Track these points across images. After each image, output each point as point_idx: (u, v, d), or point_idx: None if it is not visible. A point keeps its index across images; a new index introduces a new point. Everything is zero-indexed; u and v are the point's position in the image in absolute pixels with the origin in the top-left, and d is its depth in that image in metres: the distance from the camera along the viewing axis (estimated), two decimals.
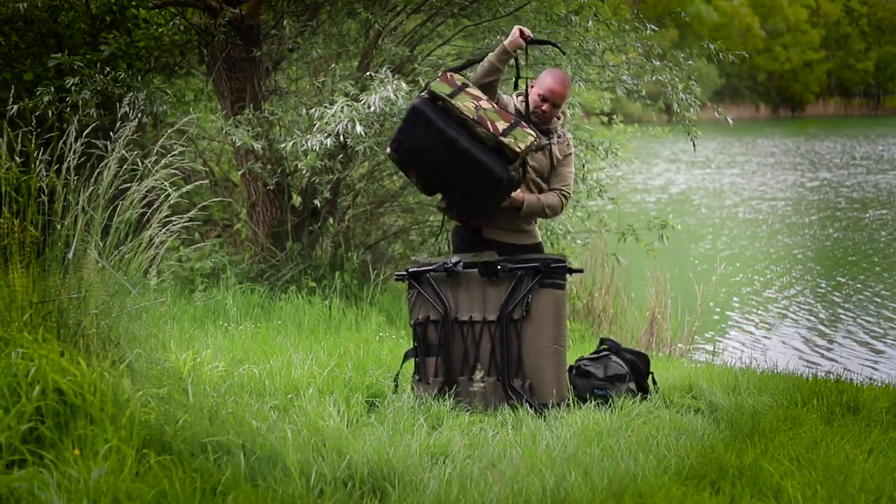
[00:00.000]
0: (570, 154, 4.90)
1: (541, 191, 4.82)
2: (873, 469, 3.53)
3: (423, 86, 5.01)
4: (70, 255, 3.59)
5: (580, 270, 5.23)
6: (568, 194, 4.87)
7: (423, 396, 4.43)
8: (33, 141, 3.92)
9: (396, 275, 4.85)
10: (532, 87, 4.80)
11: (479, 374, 4.54)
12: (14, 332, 3.32)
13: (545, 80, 4.77)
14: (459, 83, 4.52)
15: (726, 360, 7.79)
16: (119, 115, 4.23)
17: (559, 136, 4.87)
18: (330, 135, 6.20)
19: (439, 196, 4.74)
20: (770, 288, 12.09)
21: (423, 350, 4.66)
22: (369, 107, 6.18)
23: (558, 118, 4.88)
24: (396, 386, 4.63)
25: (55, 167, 3.79)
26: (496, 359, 4.54)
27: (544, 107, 4.75)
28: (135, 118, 4.29)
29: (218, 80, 8.03)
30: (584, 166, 8.10)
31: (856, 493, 3.23)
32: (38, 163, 3.80)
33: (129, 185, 3.90)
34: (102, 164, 3.84)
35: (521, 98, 4.85)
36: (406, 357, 4.77)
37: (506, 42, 4.62)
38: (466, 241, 4.82)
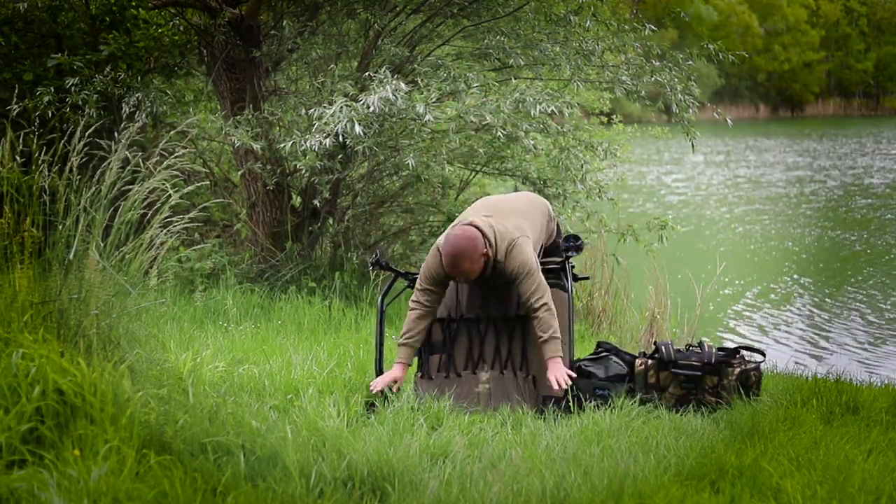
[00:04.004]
0: (515, 271, 4.43)
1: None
2: (873, 469, 3.53)
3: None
4: (71, 256, 3.59)
5: (586, 278, 5.21)
6: (546, 305, 4.41)
7: (424, 395, 4.42)
8: (35, 141, 3.93)
9: (408, 279, 4.80)
10: None
11: (484, 376, 4.54)
12: (15, 332, 3.32)
13: (443, 255, 4.44)
14: None
15: None
16: (123, 116, 4.24)
17: (497, 270, 4.50)
18: (329, 135, 6.20)
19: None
20: (769, 288, 12.09)
21: (427, 349, 4.67)
22: (368, 107, 6.18)
23: (485, 264, 4.46)
24: (372, 405, 4.41)
25: (56, 167, 3.80)
26: (500, 355, 4.57)
27: (460, 280, 4.53)
28: (138, 120, 4.30)
29: (218, 81, 8.03)
30: (583, 167, 8.10)
31: (855, 493, 3.23)
32: (39, 163, 3.80)
33: (129, 185, 3.90)
34: (104, 164, 3.84)
35: None
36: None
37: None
38: None
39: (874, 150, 33.13)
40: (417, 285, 4.63)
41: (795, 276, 12.81)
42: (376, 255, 4.84)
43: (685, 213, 18.45)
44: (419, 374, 4.68)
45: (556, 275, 4.65)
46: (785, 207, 19.75)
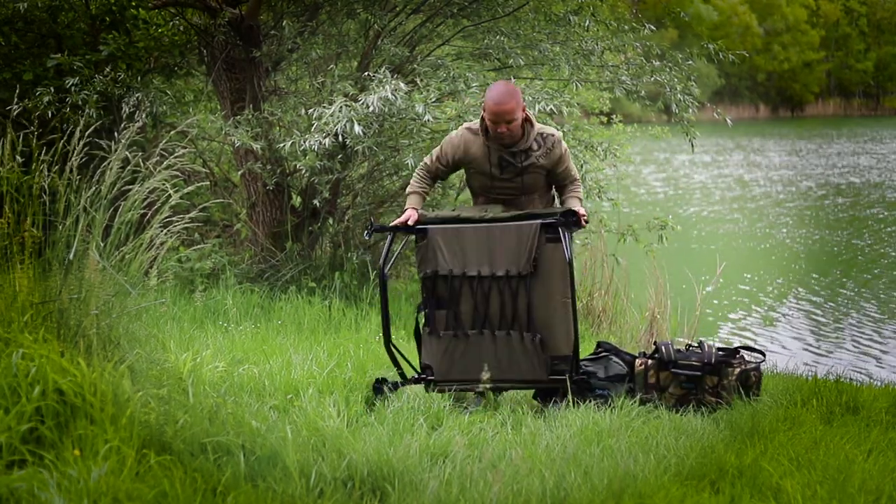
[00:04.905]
0: (566, 150, 4.80)
1: (549, 188, 4.91)
2: (873, 469, 3.53)
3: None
4: (71, 256, 3.59)
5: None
6: (579, 184, 4.90)
7: (433, 349, 4.58)
8: (35, 141, 3.93)
9: (406, 231, 4.76)
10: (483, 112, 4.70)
11: (485, 376, 4.53)
12: (15, 332, 3.32)
13: (487, 103, 4.60)
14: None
15: None
16: (123, 116, 4.24)
17: (540, 144, 4.71)
18: (329, 135, 6.20)
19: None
20: (769, 288, 12.09)
21: (433, 303, 4.65)
22: (368, 107, 6.19)
23: (530, 125, 4.68)
24: (394, 385, 4.62)
25: (56, 167, 3.80)
26: (507, 316, 4.54)
27: (500, 129, 4.58)
28: (138, 120, 4.30)
29: (218, 81, 8.03)
30: (582, 167, 8.10)
31: (855, 493, 3.23)
32: (39, 163, 3.80)
33: (129, 185, 3.90)
34: (104, 164, 3.84)
35: (478, 127, 4.76)
36: (418, 310, 4.78)
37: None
38: None
39: (875, 149, 33.14)
40: (433, 155, 4.87)
41: (796, 276, 12.82)
42: (370, 224, 4.80)
43: (685, 212, 18.47)
44: (427, 330, 4.66)
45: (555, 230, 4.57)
46: (785, 207, 19.75)
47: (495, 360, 4.53)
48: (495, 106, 4.54)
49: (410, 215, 4.67)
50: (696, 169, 27.71)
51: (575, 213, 4.56)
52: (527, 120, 4.68)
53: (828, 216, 18.35)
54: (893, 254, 14.33)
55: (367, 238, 4.94)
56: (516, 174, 4.71)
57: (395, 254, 5.16)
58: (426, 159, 4.91)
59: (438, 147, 4.88)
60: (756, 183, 23.95)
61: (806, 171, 26.36)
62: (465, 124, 4.85)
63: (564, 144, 4.81)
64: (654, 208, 18.32)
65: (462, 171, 5.26)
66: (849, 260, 14.03)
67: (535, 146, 4.70)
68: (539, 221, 4.50)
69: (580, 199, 4.81)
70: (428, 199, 5.88)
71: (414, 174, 4.96)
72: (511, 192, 4.77)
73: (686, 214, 18.29)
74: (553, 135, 4.75)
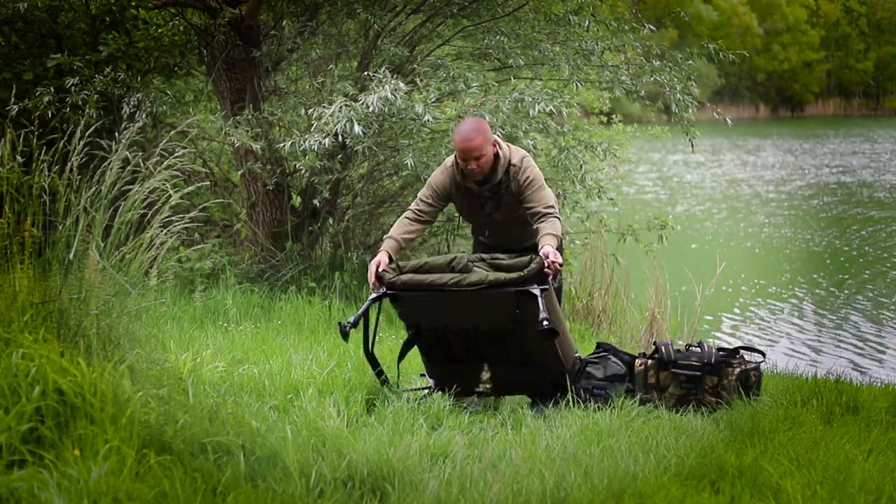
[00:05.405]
0: (529, 178, 4.54)
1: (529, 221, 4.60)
2: (873, 469, 3.53)
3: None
4: (71, 256, 3.59)
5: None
6: (553, 210, 4.52)
7: (431, 368, 4.59)
8: (35, 141, 3.93)
9: (372, 298, 4.50)
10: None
11: (485, 376, 4.53)
12: (15, 332, 3.32)
13: (455, 140, 4.55)
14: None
15: None
16: (123, 116, 4.24)
17: (509, 175, 4.58)
18: (328, 135, 6.20)
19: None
20: (769, 288, 12.09)
21: (422, 343, 4.68)
22: (368, 107, 6.18)
23: (497, 158, 4.56)
24: (384, 382, 4.58)
25: (57, 167, 3.80)
26: (499, 351, 4.51)
27: (470, 165, 4.51)
28: (138, 120, 4.30)
29: (218, 81, 8.03)
30: (581, 167, 8.10)
31: (855, 493, 3.23)
32: (39, 163, 3.80)
33: (129, 185, 3.91)
34: (104, 164, 3.84)
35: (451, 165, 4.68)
36: (406, 347, 4.75)
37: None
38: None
39: (875, 149, 33.15)
40: (419, 196, 4.71)
41: (796, 276, 12.81)
42: (342, 326, 4.44)
43: (685, 213, 18.47)
44: (422, 354, 4.70)
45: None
46: (784, 207, 19.75)
47: (493, 376, 4.55)
48: (462, 143, 4.49)
49: (381, 260, 4.51)
50: (697, 169, 27.71)
51: (543, 267, 4.25)
52: (497, 154, 4.57)
53: (828, 216, 18.35)
54: (895, 254, 14.34)
55: (344, 339, 4.53)
56: (495, 209, 4.69)
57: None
58: (412, 204, 4.75)
59: (425, 186, 4.76)
60: (753, 182, 23.95)
61: (803, 171, 26.37)
62: (449, 158, 4.77)
63: (531, 170, 4.57)
64: (646, 207, 18.31)
65: None
66: (849, 260, 14.03)
67: (504, 178, 4.60)
68: (511, 290, 4.25)
69: (554, 235, 4.41)
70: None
71: (398, 219, 4.77)
72: (499, 224, 4.75)
73: (684, 214, 18.29)
74: (515, 164, 4.57)
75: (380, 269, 4.46)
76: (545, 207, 4.49)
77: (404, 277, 4.42)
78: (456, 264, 4.40)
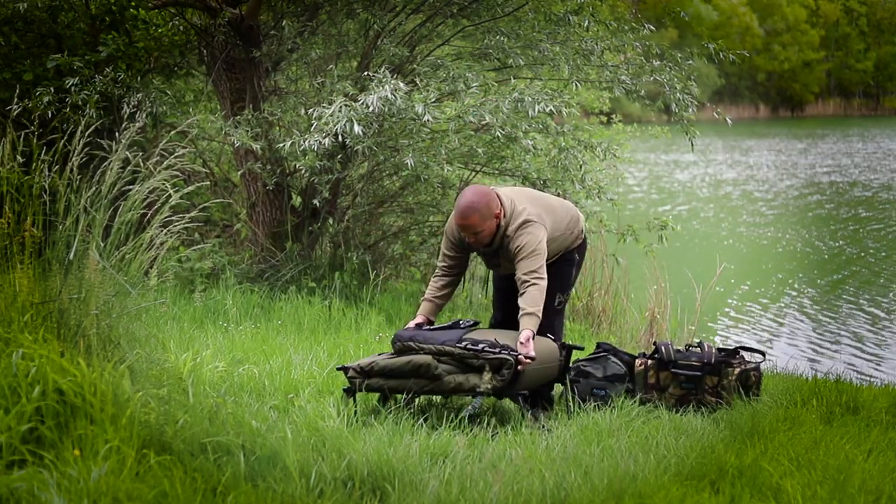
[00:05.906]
0: (518, 247, 4.49)
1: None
2: (873, 469, 3.53)
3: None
4: (71, 256, 3.59)
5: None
6: (531, 276, 4.43)
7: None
8: (35, 141, 3.93)
9: (349, 378, 4.31)
10: None
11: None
12: (15, 332, 3.33)
13: (455, 210, 4.57)
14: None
15: None
16: (123, 116, 4.24)
17: (504, 243, 4.57)
18: (328, 135, 6.20)
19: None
20: (769, 288, 12.09)
21: None
22: (368, 107, 6.18)
23: (498, 228, 4.54)
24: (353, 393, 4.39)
25: (57, 167, 3.80)
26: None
27: (468, 239, 4.55)
28: (138, 120, 4.30)
29: (217, 81, 8.03)
30: (581, 167, 8.10)
31: (855, 493, 3.23)
32: (40, 163, 3.81)
33: (129, 185, 3.91)
34: (104, 164, 3.85)
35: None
36: None
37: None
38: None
39: (874, 149, 33.15)
40: (441, 249, 4.80)
41: (796, 276, 12.81)
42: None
43: (685, 213, 18.47)
44: None
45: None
46: (784, 207, 19.75)
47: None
48: (459, 220, 4.51)
49: (416, 322, 4.62)
50: (696, 169, 27.72)
51: (516, 369, 4.22)
52: (498, 218, 4.52)
53: (829, 216, 18.35)
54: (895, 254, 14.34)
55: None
56: (500, 260, 4.70)
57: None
58: (438, 260, 4.81)
59: (443, 237, 4.84)
60: (752, 184, 23.96)
61: (812, 173, 26.38)
62: None
63: (521, 238, 4.49)
64: (640, 206, 18.31)
65: (459, 171, 5.20)
66: (850, 259, 14.03)
67: (500, 244, 4.59)
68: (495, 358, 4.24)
69: (533, 315, 4.37)
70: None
71: (431, 280, 4.81)
72: (508, 266, 4.69)
73: (683, 213, 18.30)
74: (509, 235, 4.53)
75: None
76: (525, 274, 4.44)
77: (372, 381, 4.27)
78: (422, 367, 4.24)
